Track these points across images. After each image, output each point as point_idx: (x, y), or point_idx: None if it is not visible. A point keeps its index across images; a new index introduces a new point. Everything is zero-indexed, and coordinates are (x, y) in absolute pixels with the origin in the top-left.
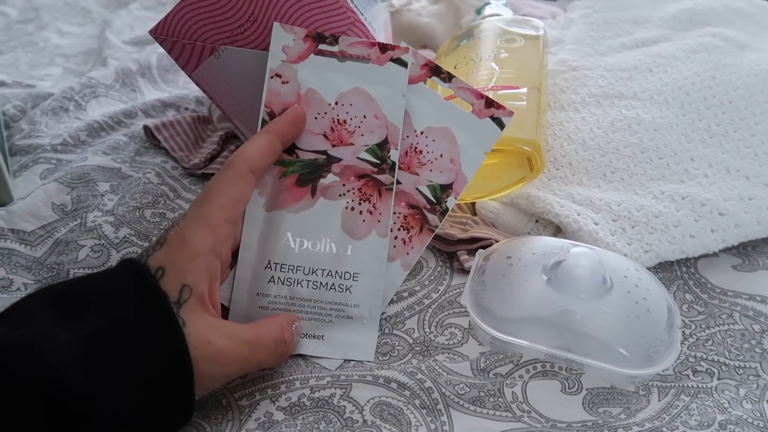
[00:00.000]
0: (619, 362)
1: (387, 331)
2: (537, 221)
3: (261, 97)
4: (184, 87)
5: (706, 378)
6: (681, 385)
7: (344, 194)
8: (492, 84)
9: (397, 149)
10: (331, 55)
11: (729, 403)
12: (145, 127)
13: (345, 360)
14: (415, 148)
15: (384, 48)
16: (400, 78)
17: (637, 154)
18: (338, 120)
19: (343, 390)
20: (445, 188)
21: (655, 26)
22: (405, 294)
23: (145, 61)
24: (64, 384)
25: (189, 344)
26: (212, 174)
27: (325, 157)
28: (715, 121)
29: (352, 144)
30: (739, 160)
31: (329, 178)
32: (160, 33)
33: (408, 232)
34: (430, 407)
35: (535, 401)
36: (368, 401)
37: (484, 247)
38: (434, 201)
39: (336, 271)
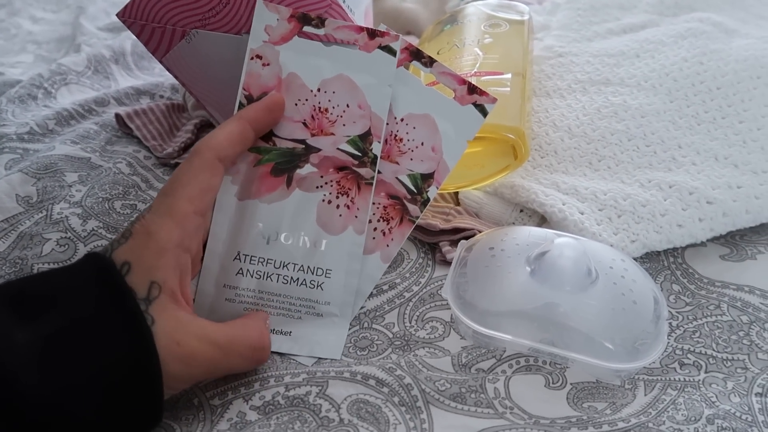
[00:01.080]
0: (604, 356)
1: (366, 325)
2: (522, 211)
3: (236, 84)
4: (159, 74)
5: (693, 371)
6: (668, 378)
7: (321, 186)
8: (476, 70)
9: (380, 142)
10: (316, 38)
11: (716, 396)
12: (117, 115)
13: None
14: (395, 135)
15: (372, 34)
16: (387, 67)
17: (623, 142)
18: (320, 108)
19: (320, 387)
20: (426, 178)
21: (642, 11)
22: (385, 287)
23: (119, 47)
24: (18, 388)
25: (157, 343)
26: None
27: (304, 146)
28: (703, 107)
29: (332, 134)
30: (727, 148)
31: (306, 169)
32: (129, 16)
33: (388, 224)
34: (410, 404)
35: (517, 397)
36: (345, 399)
37: (467, 238)
38: (415, 191)
39: (308, 267)
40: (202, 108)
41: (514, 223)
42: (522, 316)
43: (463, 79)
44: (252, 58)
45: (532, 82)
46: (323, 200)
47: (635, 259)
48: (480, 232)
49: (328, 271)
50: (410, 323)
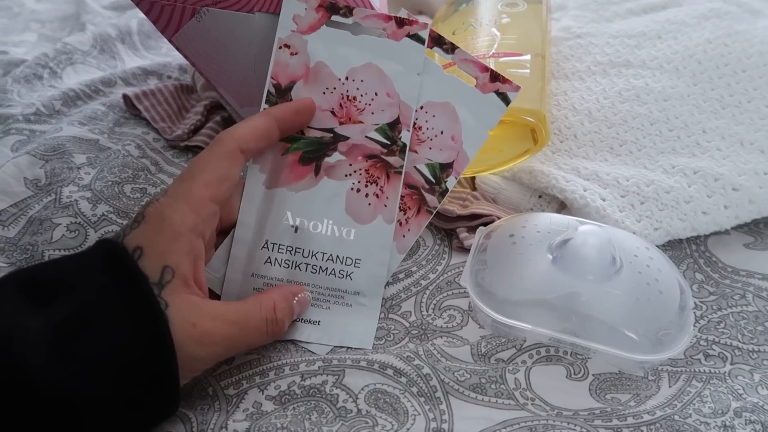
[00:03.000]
0: (627, 347)
1: (382, 314)
2: (540, 197)
3: (248, 64)
4: (167, 54)
5: (719, 363)
6: (692, 370)
7: (350, 175)
8: (493, 51)
9: (409, 130)
10: (344, 27)
11: (743, 389)
12: (125, 96)
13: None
14: (415, 124)
15: (401, 23)
16: (416, 55)
17: (646, 126)
18: (348, 96)
19: (336, 377)
20: (445, 167)
21: None
22: (401, 275)
23: (125, 26)
24: (32, 373)
25: (172, 327)
26: (196, 146)
27: (332, 135)
28: (728, 91)
29: (361, 122)
30: (753, 133)
31: (335, 157)
32: None
33: (405, 214)
34: (429, 395)
35: (539, 388)
36: (362, 389)
37: (485, 224)
38: (433, 181)
39: (337, 256)
40: (213, 89)
41: (532, 210)
42: (543, 305)
43: (485, 66)
44: (280, 47)
45: (551, 63)
46: (352, 188)
47: (658, 247)
48: (498, 218)
49: (357, 261)
50: (427, 312)
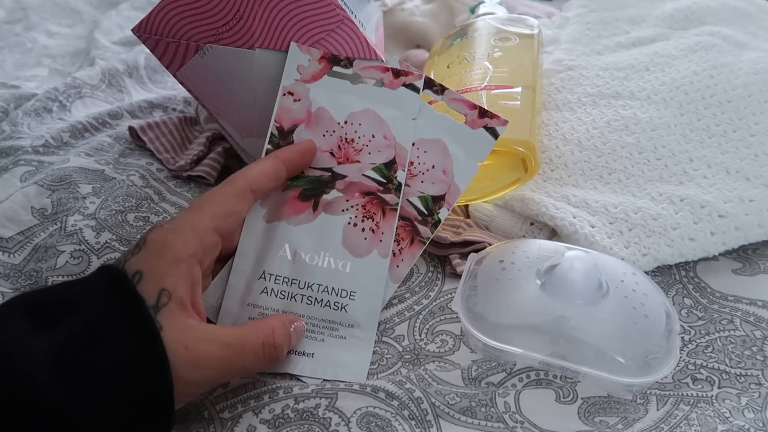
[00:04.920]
0: (615, 370)
1: (376, 338)
2: (532, 224)
3: (249, 97)
4: (172, 88)
5: (707, 386)
6: (680, 393)
7: (347, 210)
8: (485, 83)
9: (404, 170)
10: (345, 77)
11: (730, 412)
12: (131, 128)
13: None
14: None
15: (397, 73)
16: (411, 102)
17: (634, 155)
18: (346, 138)
19: (329, 400)
20: (437, 200)
21: (651, 25)
22: (395, 301)
23: (132, 61)
24: (36, 392)
25: (166, 349)
26: (199, 176)
27: (330, 174)
28: (714, 121)
29: (358, 161)
30: (738, 161)
31: (333, 194)
32: (144, 31)
33: (398, 244)
34: (420, 418)
35: (528, 411)
36: (355, 412)
37: (477, 251)
38: (426, 212)
39: (333, 288)
40: (215, 121)
41: (524, 236)
42: (532, 329)
43: (473, 104)
44: (284, 94)
45: (542, 95)
46: (349, 223)
47: (647, 272)
48: (490, 245)
49: (352, 293)
50: (420, 336)
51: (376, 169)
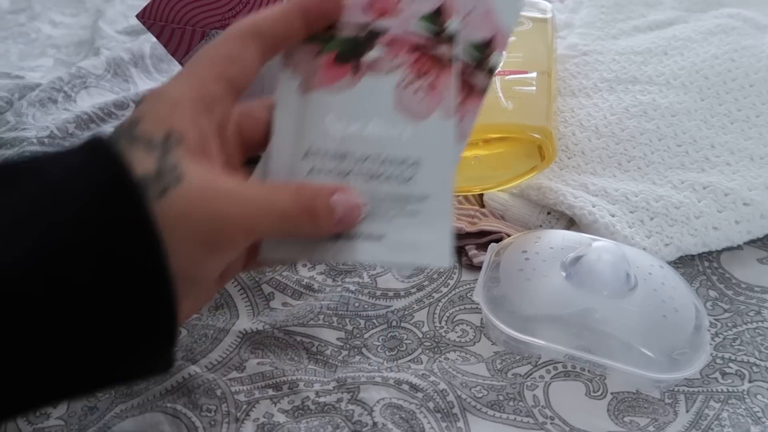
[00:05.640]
0: (643, 365)
1: (394, 323)
2: (549, 213)
3: (257, 84)
4: None
5: (737, 381)
6: (709, 389)
7: (395, 69)
8: (499, 69)
9: (458, 16)
10: None
11: (763, 411)
12: None
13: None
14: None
15: None
16: None
17: (654, 142)
18: None
19: (351, 394)
20: (486, 44)
21: (668, 7)
22: (413, 290)
23: (138, 50)
24: None
25: (175, 200)
26: None
27: (368, 31)
28: (736, 105)
29: (400, 13)
30: (762, 147)
31: (375, 53)
32: (149, 17)
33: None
34: (445, 411)
35: (558, 406)
36: (378, 402)
37: (495, 241)
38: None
39: (392, 158)
40: None
41: (541, 226)
42: (557, 320)
43: None
44: None
45: (557, 81)
46: (399, 84)
47: (669, 263)
48: (507, 235)
49: (418, 162)
50: (440, 323)
51: (423, 19)
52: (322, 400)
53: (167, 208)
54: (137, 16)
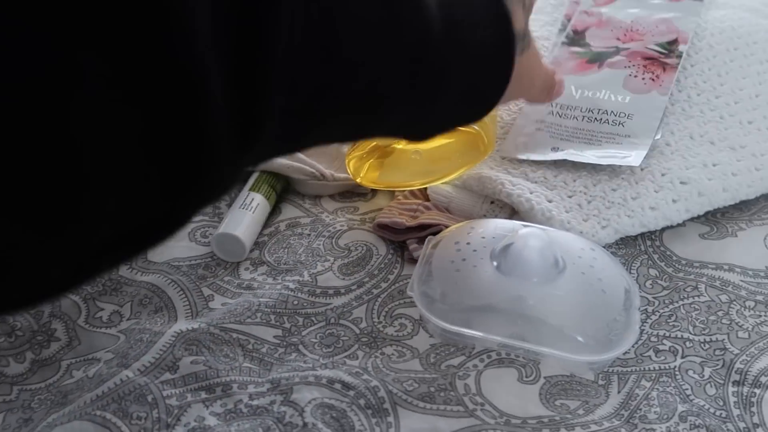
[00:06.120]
0: (575, 349)
1: (333, 321)
2: (492, 203)
3: None
4: None
5: (669, 357)
6: (642, 368)
7: (628, 66)
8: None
9: (686, 45)
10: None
11: (692, 389)
12: None
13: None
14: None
15: None
16: (693, 8)
17: None
18: (631, 29)
19: (284, 395)
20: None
21: None
22: (353, 286)
23: None
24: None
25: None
26: None
27: (615, 48)
28: (677, 87)
29: (641, 40)
30: (703, 125)
31: (616, 58)
32: None
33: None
34: (376, 407)
35: (489, 392)
36: (309, 402)
37: (435, 234)
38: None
39: (612, 111)
40: None
41: (485, 216)
42: (489, 310)
43: None
44: (582, 11)
45: None
46: (630, 75)
47: (609, 245)
48: (446, 227)
49: (630, 115)
50: (378, 319)
51: (659, 45)
52: (255, 402)
53: (518, 64)
54: None
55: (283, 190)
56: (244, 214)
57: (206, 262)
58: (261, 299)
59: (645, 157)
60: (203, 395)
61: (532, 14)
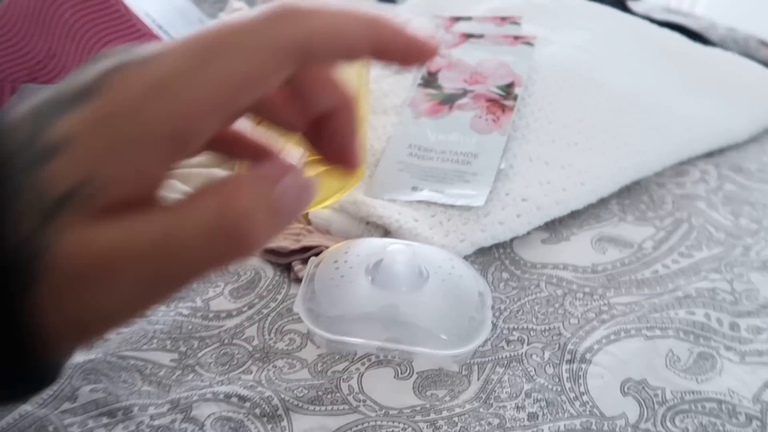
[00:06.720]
0: (440, 345)
1: (226, 341)
2: (368, 223)
3: None
4: None
5: (518, 345)
6: (497, 357)
7: (474, 109)
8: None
9: (521, 88)
10: (480, 42)
11: (535, 370)
12: None
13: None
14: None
15: (516, 37)
16: (527, 51)
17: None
18: (476, 71)
19: (184, 413)
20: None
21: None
22: (244, 308)
23: None
24: None
25: (52, 265)
26: None
27: (462, 90)
28: (518, 115)
29: (485, 83)
30: (538, 148)
31: (464, 101)
32: None
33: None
34: (270, 414)
35: (370, 390)
36: (209, 416)
37: (316, 255)
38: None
39: (461, 152)
40: None
41: (362, 235)
42: (367, 318)
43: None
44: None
45: (368, 101)
46: (475, 116)
47: (468, 255)
48: (326, 248)
49: (476, 154)
50: (269, 336)
51: (498, 87)
52: (156, 422)
53: (31, 308)
54: None
55: None
56: None
57: None
58: (156, 326)
59: (491, 187)
60: (105, 420)
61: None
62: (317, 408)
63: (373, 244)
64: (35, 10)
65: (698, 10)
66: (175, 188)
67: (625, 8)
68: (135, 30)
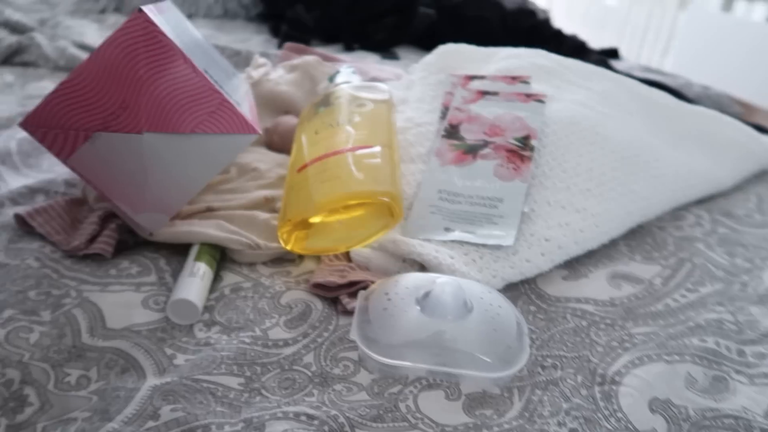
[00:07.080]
0: (484, 368)
1: (286, 367)
2: (404, 261)
3: (139, 176)
4: (48, 170)
5: (552, 371)
6: (534, 381)
7: (495, 158)
8: (350, 145)
9: (536, 140)
10: (494, 99)
11: (570, 391)
12: (17, 216)
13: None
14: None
15: (528, 96)
16: (539, 108)
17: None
18: (494, 125)
19: (258, 430)
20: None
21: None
22: (299, 337)
23: (3, 147)
24: None
25: None
26: (96, 255)
27: (483, 142)
28: (535, 164)
29: (503, 136)
30: (555, 194)
31: (486, 150)
32: (31, 125)
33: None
34: (338, 430)
35: (425, 410)
36: None
37: (363, 289)
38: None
39: (487, 196)
40: (105, 200)
41: (399, 272)
42: (417, 345)
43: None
44: (455, 108)
45: (398, 150)
46: (497, 164)
47: (499, 290)
48: (372, 282)
49: (501, 199)
50: (326, 362)
51: (516, 139)
52: None
53: None
54: (20, 124)
55: (221, 258)
56: (193, 281)
57: (162, 326)
58: (221, 353)
59: (517, 229)
60: None
61: (414, 103)
62: (380, 425)
63: (420, 277)
64: (113, 64)
65: (666, 66)
66: (222, 227)
67: (608, 67)
68: (200, 86)
